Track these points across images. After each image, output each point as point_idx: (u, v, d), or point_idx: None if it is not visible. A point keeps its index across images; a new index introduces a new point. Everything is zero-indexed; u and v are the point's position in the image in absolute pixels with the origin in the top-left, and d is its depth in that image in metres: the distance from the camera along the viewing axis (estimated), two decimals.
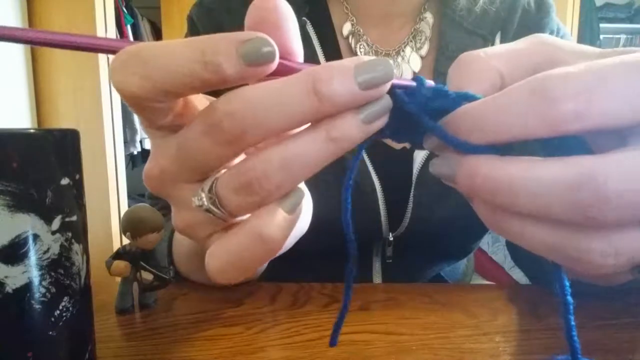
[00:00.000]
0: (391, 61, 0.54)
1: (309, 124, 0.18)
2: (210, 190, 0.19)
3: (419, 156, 0.49)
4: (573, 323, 0.19)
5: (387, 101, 0.18)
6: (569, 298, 0.19)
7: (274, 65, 0.17)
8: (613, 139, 0.17)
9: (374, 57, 0.18)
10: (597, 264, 0.16)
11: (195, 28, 0.54)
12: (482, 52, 0.20)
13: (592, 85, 0.15)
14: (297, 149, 0.17)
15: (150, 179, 0.21)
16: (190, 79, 0.16)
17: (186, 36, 0.55)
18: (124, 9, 2.28)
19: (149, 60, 0.16)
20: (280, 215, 0.19)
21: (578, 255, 0.16)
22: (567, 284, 0.19)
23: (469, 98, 0.18)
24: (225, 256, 0.19)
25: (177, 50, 0.16)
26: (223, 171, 0.19)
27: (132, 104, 0.18)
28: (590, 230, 0.16)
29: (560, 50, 0.20)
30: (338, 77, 0.17)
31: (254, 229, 0.18)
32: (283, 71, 0.18)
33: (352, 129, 0.18)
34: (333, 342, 0.24)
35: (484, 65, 0.19)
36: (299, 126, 0.18)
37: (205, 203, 0.19)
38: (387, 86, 0.18)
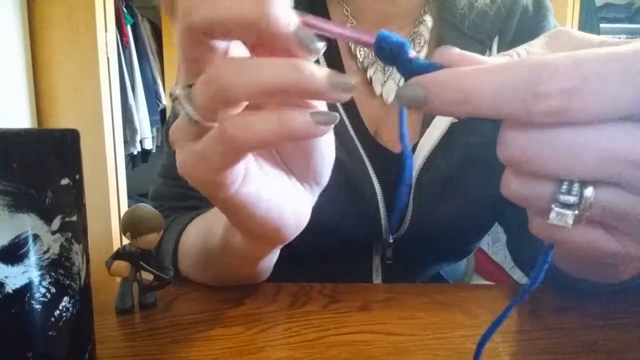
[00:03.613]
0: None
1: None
2: (184, 89, 0.22)
3: (419, 159, 0.49)
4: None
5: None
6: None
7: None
8: None
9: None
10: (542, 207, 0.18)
11: None
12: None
13: (578, 84, 0.16)
14: (262, 64, 0.20)
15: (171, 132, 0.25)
16: (242, 20, 0.19)
17: None
18: (124, 9, 2.28)
19: None
20: (307, 117, 0.21)
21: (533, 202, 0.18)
22: (544, 267, 0.21)
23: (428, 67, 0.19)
24: (250, 122, 0.21)
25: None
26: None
27: (193, 36, 0.21)
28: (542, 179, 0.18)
29: (575, 45, 0.20)
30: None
31: (283, 115, 0.21)
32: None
33: (317, 74, 0.20)
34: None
35: None
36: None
37: (178, 92, 0.22)
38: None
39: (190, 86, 0.22)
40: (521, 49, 0.21)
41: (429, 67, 0.19)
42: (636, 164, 0.16)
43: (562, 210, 0.18)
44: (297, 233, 0.31)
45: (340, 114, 0.49)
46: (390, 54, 0.20)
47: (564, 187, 0.17)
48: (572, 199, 0.17)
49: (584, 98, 0.16)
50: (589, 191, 0.17)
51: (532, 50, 0.21)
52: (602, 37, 0.20)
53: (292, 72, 0.19)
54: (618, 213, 0.17)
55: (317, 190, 0.31)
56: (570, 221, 0.18)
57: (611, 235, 0.19)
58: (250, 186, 0.25)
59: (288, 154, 0.29)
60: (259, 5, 0.19)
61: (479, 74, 0.17)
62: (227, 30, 0.20)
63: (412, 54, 0.20)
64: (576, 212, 0.17)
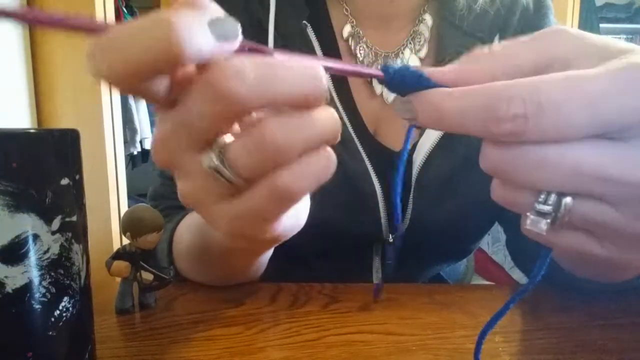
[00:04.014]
0: (390, 62, 0.54)
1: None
2: (220, 153, 0.19)
3: (418, 158, 0.49)
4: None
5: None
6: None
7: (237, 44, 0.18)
8: None
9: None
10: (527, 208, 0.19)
11: None
12: (483, 52, 0.21)
13: (532, 110, 0.17)
14: (313, 120, 0.19)
15: (154, 149, 0.21)
16: (159, 56, 0.17)
17: None
18: (124, 9, 2.28)
19: (114, 44, 0.17)
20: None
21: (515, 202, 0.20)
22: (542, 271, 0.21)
23: (429, 85, 0.21)
24: (305, 171, 0.20)
25: (146, 26, 0.17)
26: (229, 137, 0.20)
27: (117, 88, 0.18)
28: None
29: (563, 47, 0.20)
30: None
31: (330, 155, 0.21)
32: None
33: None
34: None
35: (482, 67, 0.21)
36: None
37: (215, 161, 0.19)
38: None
39: (220, 151, 0.20)
40: (497, 45, 0.21)
41: (428, 85, 0.21)
42: (603, 180, 0.17)
43: (536, 218, 0.19)
44: (294, 233, 0.31)
45: (340, 114, 0.49)
46: (401, 83, 0.21)
47: (542, 197, 0.19)
48: (547, 209, 0.19)
49: (540, 122, 0.17)
50: (567, 201, 0.18)
51: (507, 47, 0.21)
52: (598, 38, 0.20)
53: (333, 122, 0.20)
54: (596, 222, 0.19)
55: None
56: (544, 227, 0.19)
57: (595, 239, 0.20)
58: None
59: None
60: (164, 34, 0.16)
61: (451, 97, 0.19)
62: (152, 70, 0.17)
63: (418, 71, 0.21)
64: (549, 220, 0.19)
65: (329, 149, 0.20)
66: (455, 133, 0.20)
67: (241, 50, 0.19)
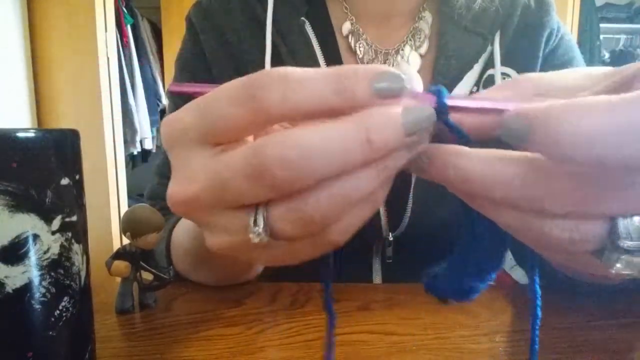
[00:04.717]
0: (391, 59, 0.54)
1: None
2: (264, 224, 0.18)
3: None
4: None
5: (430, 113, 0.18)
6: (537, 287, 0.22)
7: (401, 99, 0.17)
8: None
9: (418, 106, 0.18)
10: (559, 243, 0.17)
11: (193, 29, 0.54)
12: None
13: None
14: (351, 186, 0.18)
15: (178, 205, 0.20)
16: (323, 102, 0.17)
17: (185, 37, 0.55)
18: (124, 9, 2.28)
19: (291, 81, 0.17)
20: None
21: (540, 236, 0.18)
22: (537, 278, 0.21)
23: (460, 135, 0.19)
24: (347, 226, 0.20)
25: (316, 75, 0.17)
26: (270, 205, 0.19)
27: (257, 118, 0.17)
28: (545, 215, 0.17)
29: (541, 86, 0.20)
30: (388, 126, 0.17)
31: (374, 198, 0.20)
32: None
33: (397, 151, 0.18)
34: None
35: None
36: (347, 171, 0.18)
37: (264, 236, 0.18)
38: (429, 130, 0.18)
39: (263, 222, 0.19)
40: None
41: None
42: None
43: (614, 254, 0.17)
44: None
45: None
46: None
47: (622, 226, 0.17)
48: (630, 244, 0.17)
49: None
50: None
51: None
52: (558, 77, 0.20)
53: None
54: None
55: None
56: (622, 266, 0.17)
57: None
58: None
59: None
60: (341, 86, 0.17)
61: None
62: (309, 117, 0.17)
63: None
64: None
65: (378, 197, 0.20)
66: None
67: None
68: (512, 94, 0.21)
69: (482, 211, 0.19)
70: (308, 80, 0.17)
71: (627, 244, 0.16)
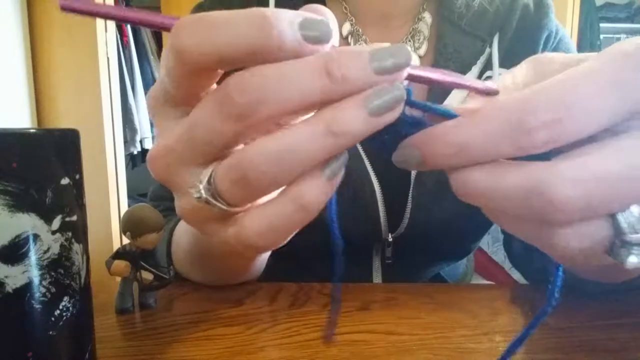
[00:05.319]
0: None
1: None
2: (209, 182, 0.19)
3: None
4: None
5: (399, 91, 0.17)
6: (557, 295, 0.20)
7: (328, 45, 0.18)
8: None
9: (390, 44, 0.18)
10: (564, 250, 0.18)
11: None
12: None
13: (562, 111, 0.16)
14: (292, 142, 0.17)
15: (154, 160, 0.21)
16: (251, 44, 0.17)
17: None
18: None
19: (214, 24, 0.17)
20: (320, 182, 0.18)
21: (548, 244, 0.18)
22: (559, 284, 0.20)
23: (447, 115, 0.18)
24: (265, 222, 0.19)
25: (240, 16, 0.17)
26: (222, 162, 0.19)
27: (185, 69, 0.18)
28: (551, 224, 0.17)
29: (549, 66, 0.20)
30: (352, 60, 0.17)
31: (294, 196, 0.18)
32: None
33: (355, 123, 0.17)
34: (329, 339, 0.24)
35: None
36: (310, 109, 0.18)
37: (204, 194, 0.19)
38: (404, 74, 0.17)
39: (209, 179, 0.19)
40: (508, 76, 0.21)
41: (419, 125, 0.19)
42: None
43: (624, 250, 0.17)
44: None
45: None
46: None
47: (623, 221, 0.17)
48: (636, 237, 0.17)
49: (574, 119, 0.16)
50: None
51: (517, 76, 0.21)
52: (581, 56, 0.20)
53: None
54: None
55: None
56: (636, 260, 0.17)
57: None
58: None
59: None
60: (265, 27, 0.16)
61: (465, 126, 0.17)
62: (235, 61, 0.17)
63: (407, 110, 0.19)
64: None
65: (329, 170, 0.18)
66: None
67: None
68: (533, 73, 0.21)
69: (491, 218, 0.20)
70: (228, 22, 0.17)
71: (633, 237, 0.16)
